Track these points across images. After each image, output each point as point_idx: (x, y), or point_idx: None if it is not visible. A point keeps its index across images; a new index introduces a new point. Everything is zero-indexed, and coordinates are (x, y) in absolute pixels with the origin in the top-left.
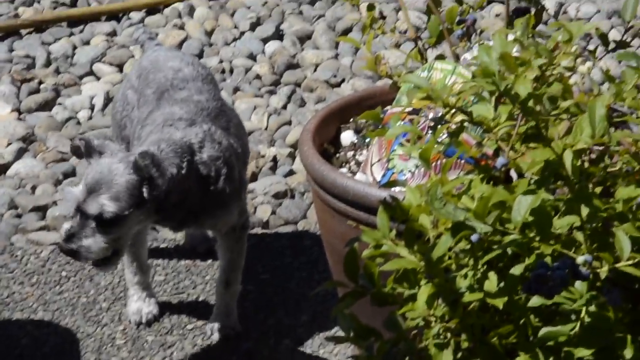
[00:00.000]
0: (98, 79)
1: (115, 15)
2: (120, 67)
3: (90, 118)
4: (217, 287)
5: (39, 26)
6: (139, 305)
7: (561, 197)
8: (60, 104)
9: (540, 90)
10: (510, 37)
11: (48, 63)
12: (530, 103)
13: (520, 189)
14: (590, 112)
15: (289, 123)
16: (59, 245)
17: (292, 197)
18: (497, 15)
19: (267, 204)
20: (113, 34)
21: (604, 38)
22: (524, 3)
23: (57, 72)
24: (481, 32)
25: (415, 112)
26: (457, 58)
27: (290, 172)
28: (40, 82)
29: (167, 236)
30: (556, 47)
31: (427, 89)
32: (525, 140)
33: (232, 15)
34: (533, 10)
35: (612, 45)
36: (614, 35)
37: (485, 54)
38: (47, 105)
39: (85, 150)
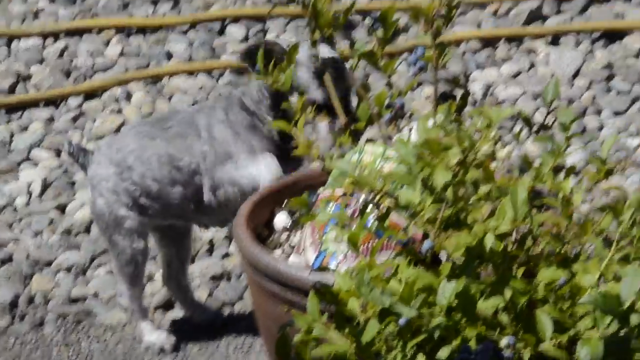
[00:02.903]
0: (36, 164)
1: (53, 101)
2: (58, 152)
3: (27, 204)
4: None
5: None
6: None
7: (486, 279)
8: None
9: (460, 176)
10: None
11: None
12: (449, 191)
13: (445, 272)
14: (512, 196)
15: None
16: None
17: (229, 279)
18: (426, 98)
19: (204, 286)
20: (51, 119)
21: (527, 121)
22: (450, 86)
23: None
24: (411, 114)
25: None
26: (389, 138)
27: (227, 254)
28: None
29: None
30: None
31: (353, 175)
32: (447, 226)
33: (169, 99)
34: (459, 94)
35: (535, 128)
36: (542, 116)
37: (402, 146)
38: None
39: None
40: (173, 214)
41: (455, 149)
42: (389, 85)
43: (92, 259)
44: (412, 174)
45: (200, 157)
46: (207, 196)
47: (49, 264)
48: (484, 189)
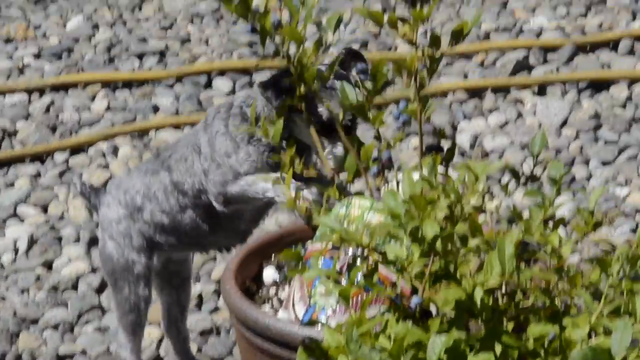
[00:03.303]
0: (22, 221)
1: (39, 157)
2: (45, 208)
3: (14, 261)
4: None
5: None
6: None
7: (476, 334)
8: None
9: (448, 229)
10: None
11: None
12: (438, 243)
13: (434, 328)
14: (499, 250)
15: (214, 259)
16: None
17: (218, 333)
18: (415, 149)
19: (192, 342)
20: (37, 175)
21: (515, 173)
22: (435, 138)
23: None
24: (398, 167)
25: (336, 248)
26: (377, 190)
27: (216, 309)
28: None
29: None
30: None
31: (339, 231)
32: (436, 280)
33: None
34: (445, 147)
35: (523, 180)
36: (529, 166)
37: (392, 198)
38: None
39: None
40: (190, 243)
41: (442, 203)
42: (378, 138)
43: (80, 316)
44: (400, 226)
45: (201, 175)
46: (220, 209)
47: (36, 321)
48: (472, 242)
